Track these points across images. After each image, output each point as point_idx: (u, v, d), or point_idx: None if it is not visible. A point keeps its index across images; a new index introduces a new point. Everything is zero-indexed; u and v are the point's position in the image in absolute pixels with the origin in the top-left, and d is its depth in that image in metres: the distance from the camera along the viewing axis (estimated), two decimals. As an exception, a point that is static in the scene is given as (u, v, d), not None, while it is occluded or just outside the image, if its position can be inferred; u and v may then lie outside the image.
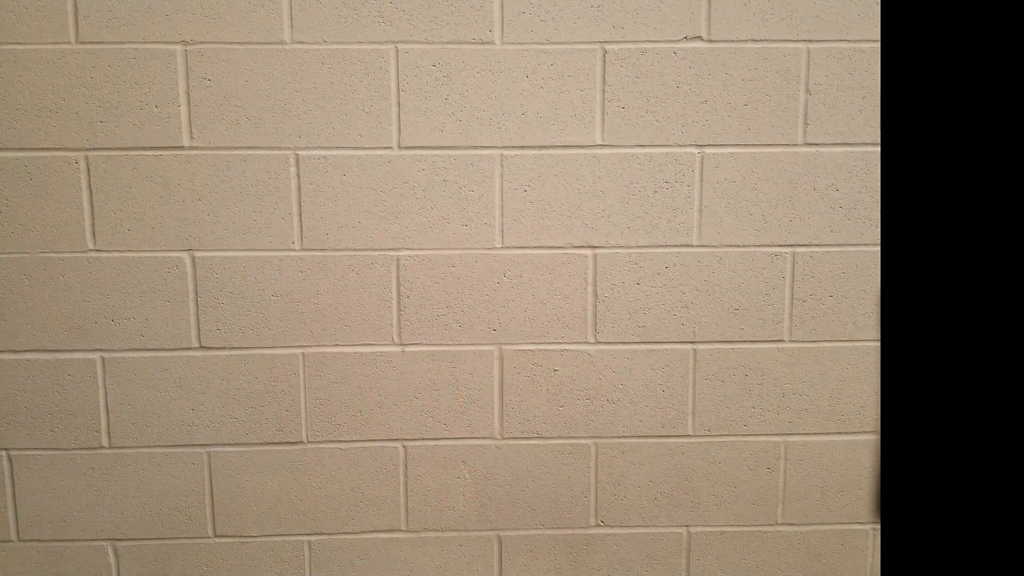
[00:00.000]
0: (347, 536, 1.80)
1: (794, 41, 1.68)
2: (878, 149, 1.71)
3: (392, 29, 1.65)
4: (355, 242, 1.71)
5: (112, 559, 1.80)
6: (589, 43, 1.67)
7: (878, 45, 1.69)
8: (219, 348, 1.73)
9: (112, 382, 1.74)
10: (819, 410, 1.81)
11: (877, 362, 1.80)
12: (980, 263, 0.74)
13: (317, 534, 1.81)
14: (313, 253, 1.71)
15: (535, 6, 1.65)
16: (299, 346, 1.73)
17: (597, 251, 1.73)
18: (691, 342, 1.77)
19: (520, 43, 1.66)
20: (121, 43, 1.63)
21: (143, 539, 1.80)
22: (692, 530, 1.84)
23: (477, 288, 1.73)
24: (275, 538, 1.80)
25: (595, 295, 1.75)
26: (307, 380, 1.74)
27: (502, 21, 1.66)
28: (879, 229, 1.74)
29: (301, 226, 1.70)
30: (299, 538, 1.81)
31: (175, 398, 1.75)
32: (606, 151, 1.70)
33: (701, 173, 1.72)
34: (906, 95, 0.78)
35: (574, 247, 1.73)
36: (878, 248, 1.75)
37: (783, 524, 1.84)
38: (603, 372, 1.75)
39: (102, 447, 1.76)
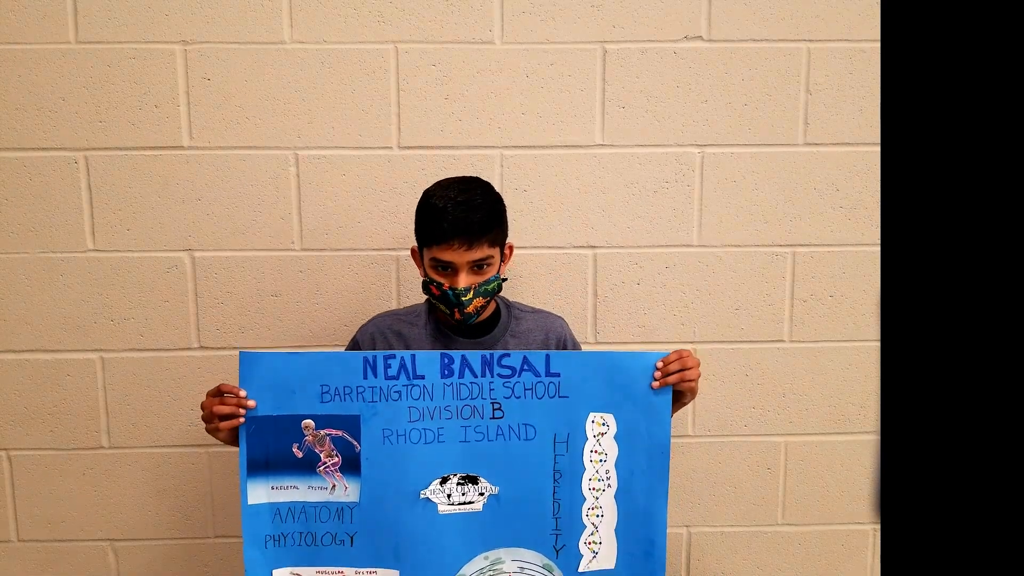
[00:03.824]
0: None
1: (794, 41, 1.68)
2: (878, 149, 1.71)
3: (392, 29, 1.65)
4: (355, 242, 1.71)
5: (112, 559, 1.80)
6: (589, 43, 1.67)
7: (878, 45, 1.69)
8: (219, 348, 1.73)
9: (112, 382, 1.74)
10: (819, 410, 1.81)
11: (877, 362, 1.80)
12: (980, 263, 0.74)
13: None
14: (313, 253, 1.71)
15: (535, 6, 1.65)
16: (299, 346, 1.73)
17: (597, 251, 1.73)
18: (691, 342, 1.76)
19: (520, 43, 1.66)
20: (121, 43, 1.63)
21: (143, 539, 1.80)
22: (692, 530, 1.84)
23: (477, 288, 1.73)
24: (275, 538, 1.80)
25: (595, 295, 1.75)
26: (307, 380, 1.74)
27: (502, 21, 1.66)
28: (879, 229, 1.74)
29: (301, 226, 1.70)
30: (299, 538, 1.81)
31: (175, 398, 1.74)
32: (606, 151, 1.70)
33: (701, 173, 1.71)
34: (906, 95, 0.78)
35: (574, 247, 1.73)
36: (878, 248, 1.75)
37: (783, 524, 1.84)
38: (603, 372, 1.75)
39: (102, 447, 1.76)
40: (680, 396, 1.36)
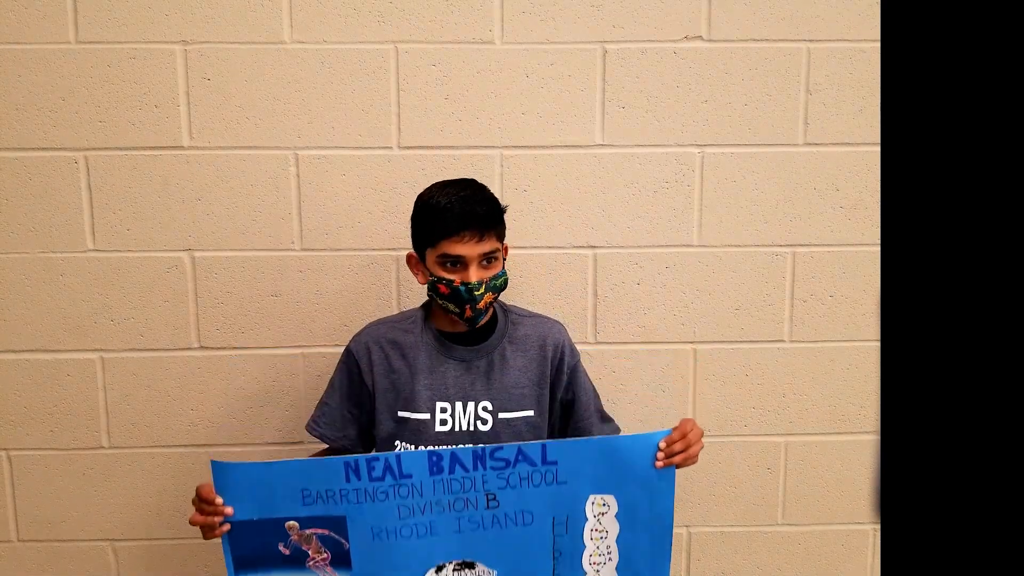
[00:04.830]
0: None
1: (794, 41, 1.68)
2: (878, 149, 1.71)
3: (392, 29, 1.65)
4: (355, 242, 1.71)
5: (112, 559, 1.80)
6: (589, 43, 1.67)
7: (878, 45, 1.69)
8: (219, 348, 1.73)
9: (112, 382, 1.74)
10: (819, 410, 1.81)
11: (877, 362, 1.80)
12: (980, 263, 0.74)
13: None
14: (313, 253, 1.71)
15: (535, 6, 1.65)
16: (299, 346, 1.73)
17: (597, 251, 1.73)
18: (691, 342, 1.77)
19: (520, 43, 1.66)
20: (121, 43, 1.63)
21: (143, 539, 1.80)
22: (692, 530, 1.84)
23: (477, 288, 1.73)
24: (275, 538, 1.80)
25: (595, 295, 1.75)
26: (306, 380, 1.74)
27: (502, 21, 1.66)
28: (879, 229, 1.74)
29: (301, 226, 1.70)
30: (299, 538, 1.81)
31: (175, 398, 1.75)
32: (606, 151, 1.70)
33: (701, 173, 1.71)
34: (906, 95, 0.78)
35: (574, 247, 1.73)
36: (878, 248, 1.75)
37: (783, 524, 1.84)
38: (603, 372, 1.75)
39: (102, 447, 1.76)
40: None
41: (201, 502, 1.25)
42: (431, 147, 1.68)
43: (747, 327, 1.77)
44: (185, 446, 1.76)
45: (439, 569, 1.29)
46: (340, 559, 1.27)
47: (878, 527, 1.85)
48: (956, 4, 0.76)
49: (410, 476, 1.25)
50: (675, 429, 1.30)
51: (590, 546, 1.31)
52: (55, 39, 1.62)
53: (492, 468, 1.26)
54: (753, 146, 1.71)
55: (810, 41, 1.68)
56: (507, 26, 1.66)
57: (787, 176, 1.72)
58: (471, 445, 1.32)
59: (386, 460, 1.24)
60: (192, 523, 1.25)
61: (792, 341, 1.78)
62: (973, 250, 0.75)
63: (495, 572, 1.29)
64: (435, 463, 1.25)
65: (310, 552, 1.27)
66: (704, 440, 1.71)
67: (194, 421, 1.75)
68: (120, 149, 1.66)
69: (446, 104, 1.67)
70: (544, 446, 1.27)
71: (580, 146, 1.70)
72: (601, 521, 1.31)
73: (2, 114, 1.64)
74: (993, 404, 0.73)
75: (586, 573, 1.32)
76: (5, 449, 1.76)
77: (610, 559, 1.32)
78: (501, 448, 1.26)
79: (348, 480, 1.24)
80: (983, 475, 0.74)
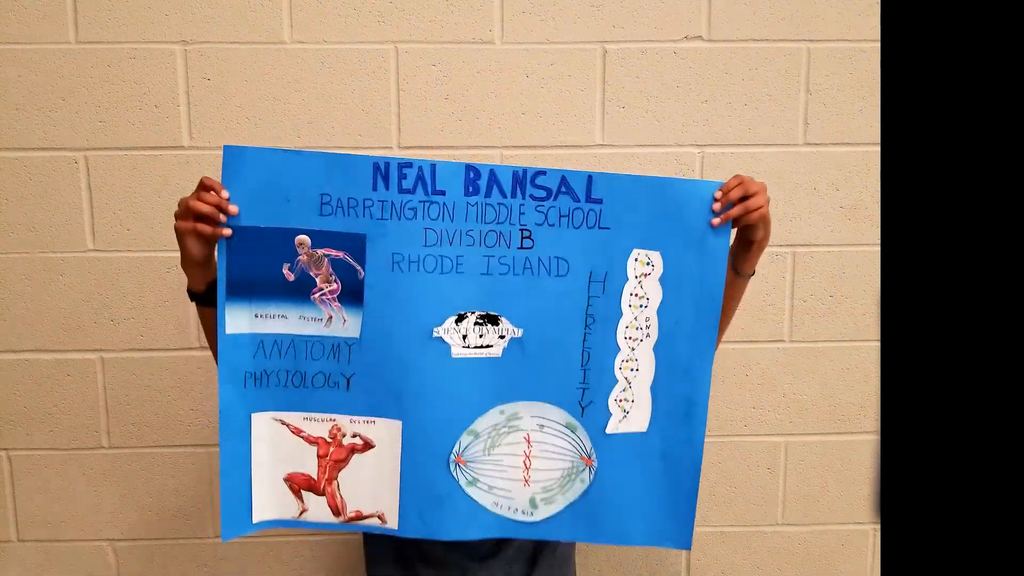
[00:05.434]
0: (349, 537, 1.80)
1: (794, 41, 1.68)
2: (878, 149, 1.71)
3: (392, 29, 1.65)
4: (355, 242, 1.70)
5: (112, 559, 1.80)
6: (589, 43, 1.67)
7: (878, 45, 1.69)
8: (219, 348, 1.73)
9: (112, 382, 1.74)
10: (819, 410, 1.81)
11: (877, 362, 1.80)
12: (980, 263, 0.74)
13: (318, 535, 1.80)
14: (313, 253, 1.71)
15: (535, 6, 1.65)
16: (299, 346, 1.73)
17: (597, 251, 1.73)
18: (691, 342, 1.76)
19: (520, 43, 1.66)
20: (121, 43, 1.63)
21: (143, 539, 1.80)
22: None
23: (477, 288, 1.73)
24: (275, 539, 1.80)
25: (595, 295, 1.74)
26: (307, 380, 1.74)
27: (502, 21, 1.66)
28: (879, 229, 1.74)
29: (301, 226, 1.70)
30: (299, 538, 1.81)
31: (175, 398, 1.74)
32: (606, 151, 1.70)
33: (701, 173, 1.71)
34: (906, 95, 0.78)
35: (574, 247, 1.73)
36: (878, 248, 1.75)
37: (783, 524, 1.84)
38: (603, 372, 1.75)
39: (102, 447, 1.76)
40: (751, 232, 1.17)
41: (202, 192, 1.06)
42: (431, 147, 1.68)
43: (747, 327, 1.77)
44: (185, 446, 1.76)
45: (460, 318, 1.15)
46: (351, 294, 1.13)
47: (878, 527, 1.85)
48: (956, 4, 0.76)
49: (443, 193, 1.13)
50: (731, 178, 1.16)
51: (627, 314, 1.17)
52: (55, 39, 1.62)
53: (531, 197, 1.14)
54: (753, 146, 1.71)
55: (810, 41, 1.68)
56: (507, 26, 1.66)
57: (787, 176, 1.72)
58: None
59: (420, 168, 1.12)
60: (189, 209, 1.06)
61: (792, 341, 1.78)
62: (973, 250, 0.75)
63: (520, 331, 1.16)
64: (472, 180, 1.13)
65: (318, 280, 1.12)
66: (704, 440, 1.71)
67: (194, 421, 1.75)
68: (120, 149, 1.66)
69: (446, 104, 1.67)
70: (590, 177, 1.15)
71: (580, 146, 1.70)
72: (643, 284, 1.17)
73: (2, 114, 1.64)
74: (993, 404, 0.73)
75: (619, 349, 1.18)
76: (5, 449, 1.76)
77: (648, 335, 1.18)
78: (544, 173, 1.14)
79: (375, 188, 1.11)
80: (983, 475, 0.74)
